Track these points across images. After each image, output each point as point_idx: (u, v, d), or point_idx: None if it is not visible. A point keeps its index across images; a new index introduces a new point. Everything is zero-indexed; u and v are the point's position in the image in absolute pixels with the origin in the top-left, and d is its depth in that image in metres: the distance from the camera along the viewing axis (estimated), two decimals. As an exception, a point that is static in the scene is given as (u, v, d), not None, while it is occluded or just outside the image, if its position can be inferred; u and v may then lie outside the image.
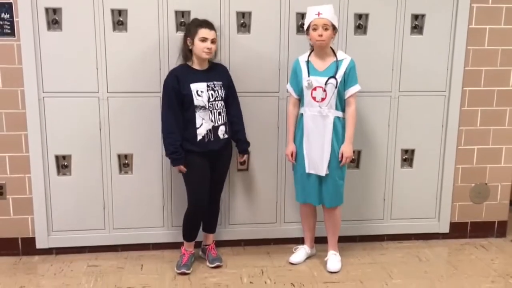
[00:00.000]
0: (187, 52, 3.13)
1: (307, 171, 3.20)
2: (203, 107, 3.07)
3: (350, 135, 3.14)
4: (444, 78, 3.61)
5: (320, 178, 3.19)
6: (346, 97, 3.13)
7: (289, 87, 3.27)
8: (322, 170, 3.15)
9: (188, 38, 3.08)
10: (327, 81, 3.06)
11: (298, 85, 3.19)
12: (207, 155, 3.12)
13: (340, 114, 3.14)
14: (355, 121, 3.15)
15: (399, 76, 3.55)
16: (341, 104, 3.14)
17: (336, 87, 3.07)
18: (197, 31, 3.03)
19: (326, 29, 3.02)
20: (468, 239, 3.83)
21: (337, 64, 3.09)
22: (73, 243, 3.47)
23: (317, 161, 3.16)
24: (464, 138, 3.69)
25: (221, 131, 3.14)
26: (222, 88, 3.13)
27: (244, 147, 3.31)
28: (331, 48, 3.15)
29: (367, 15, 3.45)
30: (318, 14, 3.02)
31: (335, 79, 3.07)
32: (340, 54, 3.15)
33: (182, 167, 3.11)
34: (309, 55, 3.17)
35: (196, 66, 3.12)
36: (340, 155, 3.14)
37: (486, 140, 3.72)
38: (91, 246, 3.49)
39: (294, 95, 3.24)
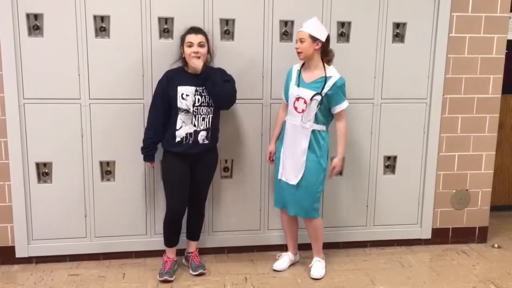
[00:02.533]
0: (183, 61, 3.15)
1: (279, 177, 3.23)
2: (186, 111, 3.07)
3: (342, 151, 3.20)
4: (425, 85, 3.66)
5: (295, 187, 3.19)
6: (334, 113, 3.17)
7: (283, 94, 3.30)
8: (293, 179, 3.16)
9: (181, 47, 3.12)
10: (313, 97, 3.08)
11: (287, 92, 3.22)
12: (186, 159, 3.12)
13: (320, 127, 3.15)
14: (345, 136, 3.20)
15: (381, 84, 3.59)
16: (323, 118, 3.15)
17: (320, 104, 3.09)
18: (184, 38, 3.07)
19: (302, 42, 3.07)
20: (450, 245, 3.87)
21: (325, 80, 3.11)
22: (54, 251, 3.42)
23: (289, 169, 3.18)
24: (445, 145, 3.74)
25: (202, 136, 3.12)
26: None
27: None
28: (322, 62, 3.16)
29: (349, 23, 3.49)
30: (301, 27, 3.09)
31: (321, 95, 3.09)
32: (330, 71, 3.15)
33: (149, 164, 3.22)
34: (302, 65, 3.20)
35: (190, 70, 3.13)
36: (331, 168, 3.19)
37: (466, 147, 3.77)
38: (72, 254, 3.44)
39: (285, 101, 3.27)
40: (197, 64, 3.04)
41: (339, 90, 3.12)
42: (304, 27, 3.08)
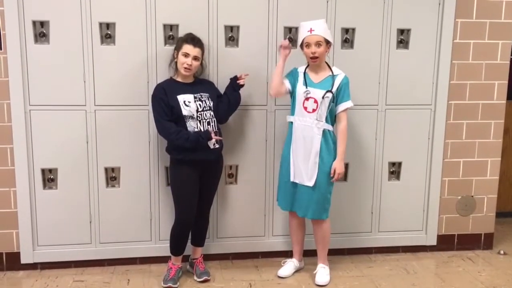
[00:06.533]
0: (174, 65, 3.16)
1: (291, 179, 3.21)
2: (192, 117, 3.07)
3: (342, 152, 3.16)
4: (430, 91, 3.66)
5: (304, 188, 3.19)
6: (337, 112, 3.16)
7: (284, 79, 3.21)
8: (309, 180, 3.16)
9: (175, 51, 3.12)
10: (324, 94, 3.09)
11: (292, 83, 3.17)
12: (197, 166, 3.11)
13: (330, 127, 3.16)
14: (346, 137, 3.17)
15: (385, 90, 3.59)
16: (332, 118, 3.17)
17: (332, 101, 3.11)
18: (182, 45, 3.07)
19: (319, 46, 3.06)
20: (455, 252, 3.86)
21: (333, 78, 3.13)
22: (59, 257, 3.42)
23: (303, 171, 3.17)
24: (450, 151, 3.73)
25: (211, 141, 3.13)
26: (210, 99, 3.15)
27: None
28: (326, 62, 3.18)
29: (353, 30, 3.49)
30: (310, 30, 3.05)
31: (332, 93, 3.10)
32: (335, 70, 3.18)
33: (213, 135, 3.05)
34: (306, 67, 3.20)
35: (180, 79, 3.14)
36: (332, 171, 3.15)
37: (471, 153, 3.76)
38: (77, 261, 3.45)
39: (286, 84, 3.17)
40: (186, 75, 3.09)
41: (346, 87, 3.14)
42: (316, 30, 3.05)
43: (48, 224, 3.38)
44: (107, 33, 3.27)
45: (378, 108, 3.61)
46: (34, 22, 3.19)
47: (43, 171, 3.34)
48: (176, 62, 3.12)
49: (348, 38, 3.51)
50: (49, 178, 3.36)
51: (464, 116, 3.71)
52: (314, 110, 3.12)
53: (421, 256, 3.77)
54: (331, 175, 3.15)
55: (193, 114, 3.07)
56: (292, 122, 3.21)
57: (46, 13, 3.18)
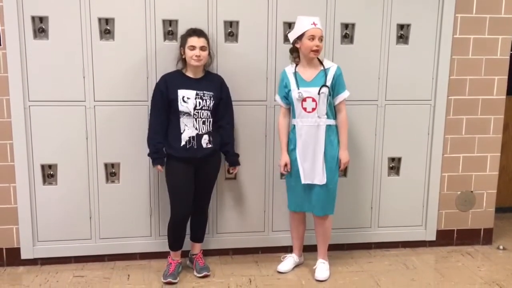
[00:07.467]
0: (182, 62, 3.17)
1: (303, 182, 3.18)
2: (188, 114, 3.08)
3: (345, 141, 3.20)
4: (430, 87, 3.65)
5: (313, 186, 3.19)
6: (336, 103, 3.17)
7: (277, 98, 3.29)
8: (320, 179, 3.15)
9: (181, 48, 3.13)
10: (319, 90, 3.08)
11: (286, 96, 3.20)
12: (190, 162, 3.12)
13: (331, 122, 3.16)
14: (347, 127, 3.20)
15: (385, 85, 3.59)
16: (332, 111, 3.17)
17: (330, 95, 3.11)
18: (186, 40, 3.08)
19: (321, 40, 3.06)
20: (455, 247, 3.86)
21: (325, 72, 3.12)
22: (59, 253, 3.43)
23: (312, 170, 3.16)
24: (450, 146, 3.73)
25: (204, 140, 3.13)
26: (212, 98, 3.14)
27: (233, 159, 3.31)
28: (317, 58, 3.17)
29: (353, 25, 3.48)
30: (314, 24, 3.05)
31: (327, 87, 3.09)
32: (327, 63, 3.18)
33: (159, 167, 3.16)
34: (295, 67, 3.19)
35: (189, 74, 3.14)
36: (344, 162, 3.19)
37: (471, 148, 3.76)
38: (77, 256, 3.46)
39: (284, 106, 3.26)
40: (198, 65, 3.09)
41: (340, 78, 3.15)
42: (319, 24, 3.06)
43: (48, 219, 3.39)
44: (106, 28, 3.26)
45: (377, 104, 3.61)
46: (33, 18, 3.18)
47: (42, 166, 3.34)
48: (184, 59, 3.12)
49: (347, 33, 3.50)
50: (48, 173, 3.36)
51: (464, 111, 3.71)
52: (313, 109, 3.12)
53: (421, 251, 3.78)
54: (338, 166, 3.18)
55: (190, 111, 3.07)
56: (295, 125, 3.19)
57: (45, 9, 3.18)
